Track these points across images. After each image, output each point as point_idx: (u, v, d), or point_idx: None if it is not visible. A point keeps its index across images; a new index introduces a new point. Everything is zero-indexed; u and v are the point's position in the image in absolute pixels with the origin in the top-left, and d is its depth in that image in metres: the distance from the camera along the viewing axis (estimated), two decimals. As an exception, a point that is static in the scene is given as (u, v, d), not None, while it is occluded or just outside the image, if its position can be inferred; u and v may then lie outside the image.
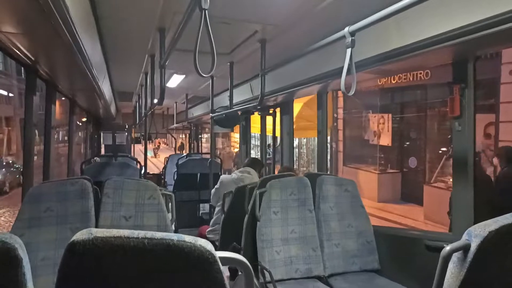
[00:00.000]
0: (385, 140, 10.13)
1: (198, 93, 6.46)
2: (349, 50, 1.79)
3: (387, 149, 10.36)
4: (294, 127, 5.07)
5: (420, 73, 8.50)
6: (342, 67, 1.86)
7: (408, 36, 2.01)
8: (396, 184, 10.25)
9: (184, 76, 4.80)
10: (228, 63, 3.77)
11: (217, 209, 4.16)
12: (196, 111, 7.87)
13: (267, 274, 2.42)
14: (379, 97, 10.42)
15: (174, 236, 0.87)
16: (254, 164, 4.20)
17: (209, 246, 0.89)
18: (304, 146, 13.38)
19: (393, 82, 9.47)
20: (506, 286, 1.21)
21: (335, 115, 11.80)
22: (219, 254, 0.91)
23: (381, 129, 10.26)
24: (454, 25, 1.74)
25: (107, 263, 0.84)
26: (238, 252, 2.83)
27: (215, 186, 4.19)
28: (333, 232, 2.77)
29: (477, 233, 1.12)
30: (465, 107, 2.14)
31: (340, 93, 10.83)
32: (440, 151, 8.94)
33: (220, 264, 0.90)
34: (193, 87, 5.86)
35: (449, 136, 7.89)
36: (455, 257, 1.15)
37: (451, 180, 4.57)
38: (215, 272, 0.90)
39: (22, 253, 0.82)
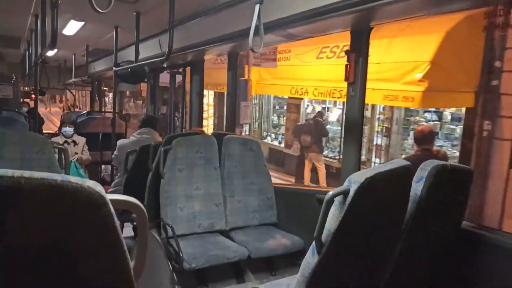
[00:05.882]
0: None
1: (101, 45, 5.91)
2: (257, 6, 1.80)
3: None
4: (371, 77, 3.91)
5: None
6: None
7: (313, 0, 2.09)
8: None
9: (83, 23, 4.32)
10: (134, 13, 3.50)
11: (119, 173, 3.99)
12: (99, 66, 7.23)
13: (169, 230, 2.43)
14: None
15: (58, 176, 0.81)
16: (151, 122, 4.05)
17: (98, 187, 0.85)
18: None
19: None
20: (375, 224, 1.41)
21: (497, 63, 4.76)
22: (110, 196, 0.88)
23: None
24: None
25: None
26: None
27: (114, 152, 3.99)
28: (236, 189, 2.87)
29: (355, 180, 1.27)
30: (358, 74, 2.35)
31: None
32: None
33: (111, 207, 0.87)
34: (94, 37, 5.34)
35: None
36: (336, 201, 1.30)
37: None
38: (105, 215, 0.86)
39: None
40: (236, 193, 2.87)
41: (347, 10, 1.89)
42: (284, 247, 2.59)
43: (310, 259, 1.34)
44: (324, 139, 7.65)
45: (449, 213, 1.73)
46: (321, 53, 5.65)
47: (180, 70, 4.81)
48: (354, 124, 2.44)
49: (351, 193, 1.27)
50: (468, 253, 1.81)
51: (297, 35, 2.65)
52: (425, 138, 3.50)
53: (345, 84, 4.20)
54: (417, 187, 1.53)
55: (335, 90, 5.34)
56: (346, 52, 2.40)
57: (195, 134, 3.09)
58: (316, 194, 2.64)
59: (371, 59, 4.30)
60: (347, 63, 2.37)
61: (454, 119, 6.17)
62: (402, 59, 4.35)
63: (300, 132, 7.35)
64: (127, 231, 3.60)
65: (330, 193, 1.28)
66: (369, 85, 4.35)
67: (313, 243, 1.34)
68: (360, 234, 1.39)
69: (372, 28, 2.29)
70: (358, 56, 2.32)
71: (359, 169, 2.42)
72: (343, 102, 6.84)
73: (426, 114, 6.54)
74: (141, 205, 0.95)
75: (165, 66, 4.92)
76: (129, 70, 4.38)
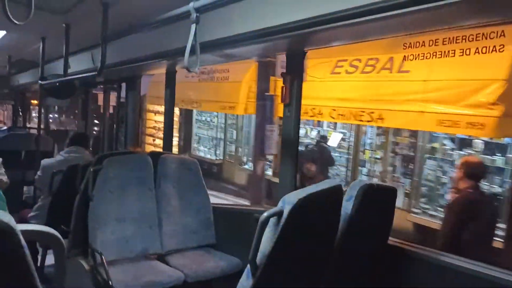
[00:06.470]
0: None
1: (26, 56, 5.49)
2: (193, 26, 1.79)
3: None
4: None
5: None
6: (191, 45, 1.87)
7: (250, 23, 2.13)
8: None
9: (4, 32, 3.99)
10: (64, 24, 3.31)
11: (43, 195, 3.67)
12: (23, 78, 6.69)
13: (98, 256, 2.26)
14: None
15: None
16: (81, 140, 3.82)
17: (6, 218, 0.76)
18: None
19: None
20: (309, 244, 1.43)
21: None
22: (21, 226, 0.80)
23: None
24: (289, 19, 1.93)
25: None
26: (66, 235, 2.55)
27: (38, 173, 3.69)
28: (172, 210, 2.77)
29: (289, 201, 1.29)
30: (294, 96, 2.43)
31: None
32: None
33: (21, 237, 0.79)
34: (18, 48, 4.95)
35: None
36: (271, 222, 1.30)
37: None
38: (15, 246, 0.78)
39: None
40: (172, 214, 2.77)
41: (282, 35, 1.95)
42: (221, 270, 2.53)
43: (245, 282, 1.32)
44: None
45: (377, 229, 1.82)
46: (336, 67, 4.68)
47: (115, 86, 4.62)
48: (290, 144, 2.51)
49: (285, 214, 1.28)
50: (394, 267, 1.92)
51: (234, 55, 2.68)
52: (481, 173, 2.96)
53: (376, 105, 4.01)
54: (347, 206, 1.60)
55: (363, 112, 4.31)
56: (282, 74, 2.48)
57: (129, 153, 2.96)
58: (254, 214, 2.65)
59: (411, 76, 3.83)
60: (283, 85, 2.44)
61: (488, 148, 5.14)
62: (461, 76, 3.58)
63: (301, 160, 6.17)
64: (51, 258, 3.30)
65: (265, 214, 1.29)
66: (414, 107, 3.78)
67: (248, 265, 1.32)
68: (294, 255, 1.40)
69: (306, 52, 2.39)
70: (293, 78, 2.40)
71: (295, 189, 2.47)
72: (351, 125, 6.03)
73: (446, 142, 5.56)
74: (58, 235, 0.87)
75: (98, 81, 4.69)
76: (57, 84, 4.10)
